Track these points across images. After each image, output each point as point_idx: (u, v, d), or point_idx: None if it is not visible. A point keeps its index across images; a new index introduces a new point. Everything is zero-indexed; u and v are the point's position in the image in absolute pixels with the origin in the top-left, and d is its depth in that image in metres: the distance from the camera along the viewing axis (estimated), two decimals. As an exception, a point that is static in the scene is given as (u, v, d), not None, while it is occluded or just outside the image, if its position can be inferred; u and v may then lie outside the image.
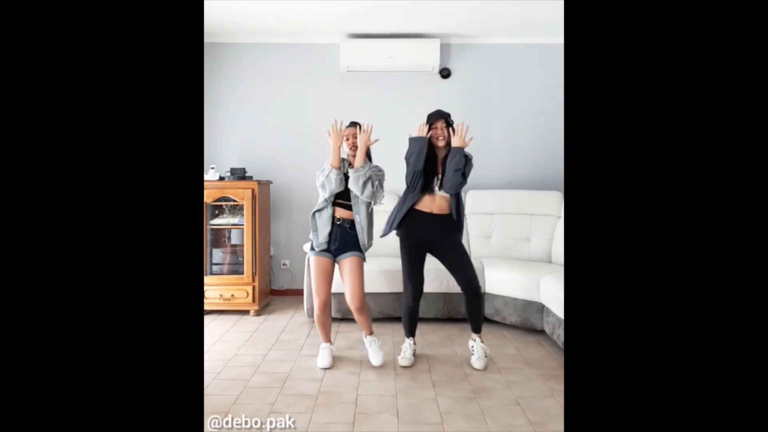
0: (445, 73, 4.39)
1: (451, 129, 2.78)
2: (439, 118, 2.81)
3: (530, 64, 4.40)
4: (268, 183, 4.23)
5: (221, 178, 4.00)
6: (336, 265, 2.89)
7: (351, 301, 2.76)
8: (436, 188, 2.81)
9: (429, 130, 2.79)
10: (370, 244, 2.88)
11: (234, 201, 3.94)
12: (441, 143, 2.80)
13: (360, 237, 2.81)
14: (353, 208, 2.81)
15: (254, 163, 4.39)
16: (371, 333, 2.92)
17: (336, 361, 2.93)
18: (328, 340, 2.92)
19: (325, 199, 2.80)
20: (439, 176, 2.81)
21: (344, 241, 2.80)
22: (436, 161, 2.83)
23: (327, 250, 2.82)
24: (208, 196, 3.86)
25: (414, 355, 2.93)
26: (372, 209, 2.87)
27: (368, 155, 2.85)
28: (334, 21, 3.98)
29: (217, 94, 4.42)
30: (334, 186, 2.74)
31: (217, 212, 4.08)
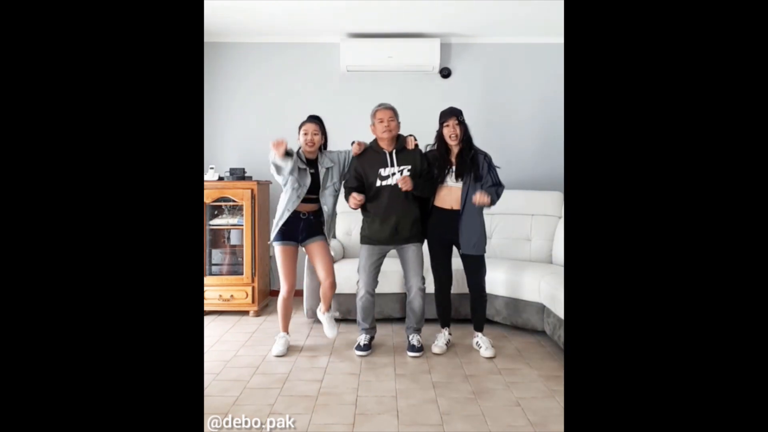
0: (445, 73, 4.38)
1: (463, 126, 2.89)
2: (450, 115, 2.88)
3: (530, 63, 4.39)
4: (267, 183, 4.22)
5: (220, 179, 4.00)
6: (302, 250, 3.11)
7: (326, 276, 3.00)
8: (450, 180, 2.91)
9: (441, 127, 2.90)
10: (330, 239, 3.12)
11: (233, 201, 3.94)
12: (453, 141, 2.89)
13: (326, 227, 3.04)
14: (321, 201, 2.99)
15: (253, 163, 4.37)
16: (329, 310, 3.13)
17: (336, 361, 2.93)
18: (286, 330, 3.10)
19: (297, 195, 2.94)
20: (453, 167, 2.90)
21: (310, 229, 3.01)
22: (450, 155, 2.92)
23: (293, 239, 3.00)
24: (208, 197, 3.85)
25: (447, 345, 3.09)
26: (336, 200, 3.07)
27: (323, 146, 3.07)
28: (333, 20, 3.97)
29: (217, 94, 4.41)
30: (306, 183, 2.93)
31: (216, 212, 4.07)
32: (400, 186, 2.82)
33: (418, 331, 3.04)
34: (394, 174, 2.90)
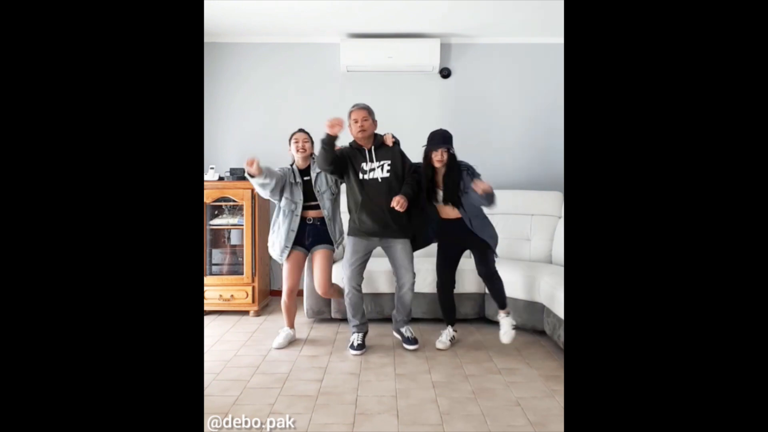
0: (445, 73, 4.38)
1: (450, 153, 2.89)
2: (442, 145, 2.87)
3: (530, 64, 4.40)
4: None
5: (221, 179, 4.00)
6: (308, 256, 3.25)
7: (317, 287, 3.16)
8: (441, 200, 2.95)
9: (429, 150, 2.91)
10: (340, 240, 3.23)
11: (233, 201, 3.94)
12: (439, 165, 2.91)
13: (330, 230, 3.14)
14: (320, 205, 3.11)
15: (254, 163, 4.38)
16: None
17: (336, 361, 2.93)
18: (291, 326, 3.23)
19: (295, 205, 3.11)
20: (441, 189, 2.94)
21: (317, 235, 3.15)
22: (437, 176, 2.96)
23: (299, 244, 3.14)
24: (208, 197, 3.86)
25: (452, 341, 3.16)
26: (338, 202, 3.20)
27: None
28: (333, 21, 3.97)
29: (217, 94, 4.41)
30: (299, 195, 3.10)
31: (216, 212, 4.07)
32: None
33: (408, 323, 3.13)
34: (374, 169, 2.94)
